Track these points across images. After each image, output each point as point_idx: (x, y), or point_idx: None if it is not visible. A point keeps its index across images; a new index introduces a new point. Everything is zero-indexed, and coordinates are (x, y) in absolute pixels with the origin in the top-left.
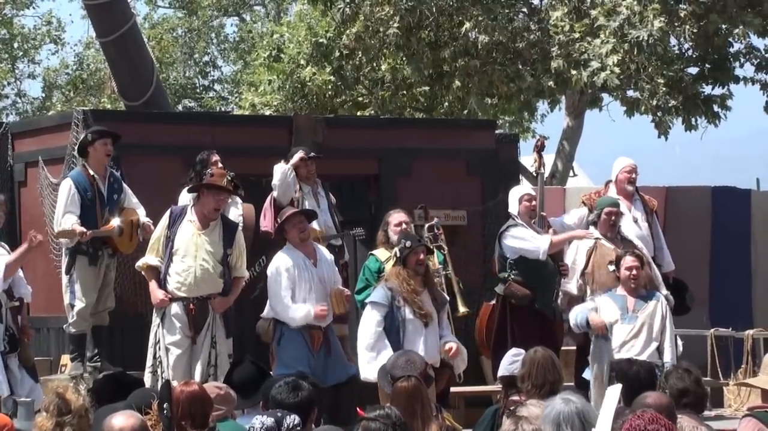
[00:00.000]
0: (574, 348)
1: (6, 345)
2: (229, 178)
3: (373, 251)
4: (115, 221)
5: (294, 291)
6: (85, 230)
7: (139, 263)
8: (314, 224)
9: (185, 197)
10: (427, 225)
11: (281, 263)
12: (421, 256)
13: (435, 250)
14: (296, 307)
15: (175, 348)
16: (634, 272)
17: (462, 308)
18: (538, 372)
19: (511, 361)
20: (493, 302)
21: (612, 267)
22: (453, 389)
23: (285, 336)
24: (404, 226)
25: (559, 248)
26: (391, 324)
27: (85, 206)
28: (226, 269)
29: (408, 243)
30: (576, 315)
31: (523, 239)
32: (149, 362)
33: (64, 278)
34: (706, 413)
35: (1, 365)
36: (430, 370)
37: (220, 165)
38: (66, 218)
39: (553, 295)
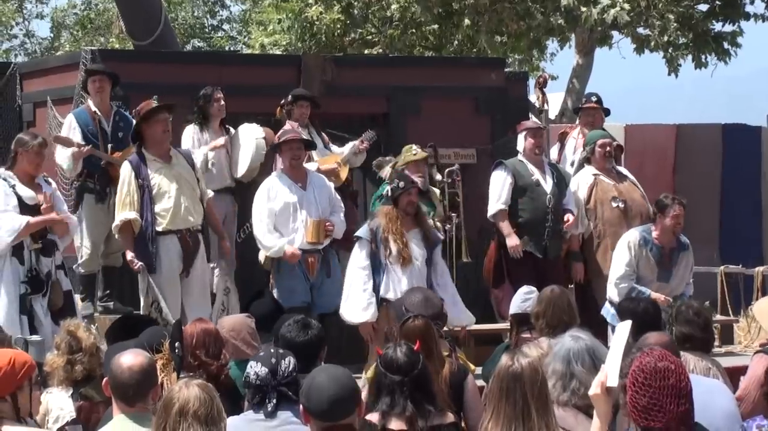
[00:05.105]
0: (572, 286)
1: (27, 287)
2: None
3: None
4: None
5: (276, 216)
6: (84, 143)
7: (115, 223)
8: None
9: (188, 134)
10: (447, 170)
11: (266, 186)
12: (413, 197)
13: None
14: (271, 238)
15: (169, 285)
16: (680, 221)
17: (465, 258)
18: (554, 311)
19: (524, 299)
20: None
21: (615, 204)
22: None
23: (282, 265)
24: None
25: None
26: (373, 262)
27: (87, 140)
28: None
29: (401, 184)
30: (625, 294)
31: (492, 188)
32: (144, 309)
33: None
34: (716, 350)
35: (16, 307)
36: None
37: (222, 103)
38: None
39: (544, 234)
